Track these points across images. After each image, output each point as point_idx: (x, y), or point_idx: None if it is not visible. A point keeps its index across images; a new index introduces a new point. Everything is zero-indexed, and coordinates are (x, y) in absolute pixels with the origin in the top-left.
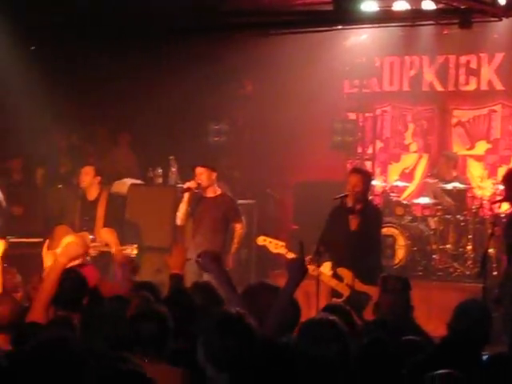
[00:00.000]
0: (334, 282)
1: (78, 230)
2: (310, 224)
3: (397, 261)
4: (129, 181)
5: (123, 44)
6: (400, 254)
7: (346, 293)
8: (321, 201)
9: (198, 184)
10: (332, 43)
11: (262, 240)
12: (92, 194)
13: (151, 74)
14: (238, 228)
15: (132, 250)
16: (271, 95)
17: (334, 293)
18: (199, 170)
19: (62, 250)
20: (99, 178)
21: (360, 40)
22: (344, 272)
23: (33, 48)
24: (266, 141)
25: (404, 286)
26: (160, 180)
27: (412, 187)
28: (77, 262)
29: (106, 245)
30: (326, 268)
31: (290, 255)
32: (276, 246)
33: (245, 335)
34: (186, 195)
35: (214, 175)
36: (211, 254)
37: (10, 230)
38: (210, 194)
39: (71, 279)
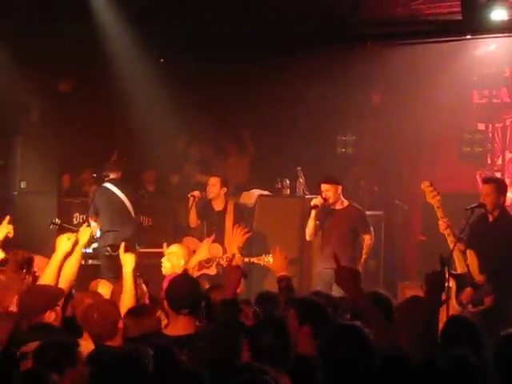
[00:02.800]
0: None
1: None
2: (439, 235)
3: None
4: (257, 191)
5: (252, 55)
6: None
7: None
8: (450, 212)
9: (325, 200)
10: (461, 53)
11: (427, 184)
12: (219, 205)
13: (281, 85)
14: (367, 239)
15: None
16: (399, 106)
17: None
18: (324, 186)
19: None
20: (226, 188)
21: (489, 50)
22: None
23: (162, 60)
24: (393, 152)
25: None
26: (288, 191)
27: None
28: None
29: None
30: None
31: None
32: (433, 195)
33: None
34: (314, 211)
35: (340, 189)
36: (350, 271)
37: (139, 240)
38: (338, 206)
39: (191, 282)
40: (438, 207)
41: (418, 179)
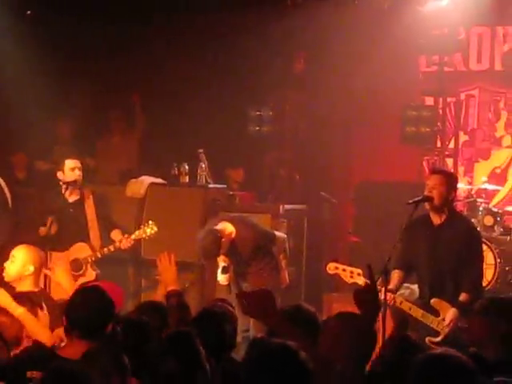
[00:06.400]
0: (428, 319)
1: None
2: (375, 236)
3: (485, 283)
4: (147, 179)
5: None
6: (488, 274)
7: (444, 331)
8: (389, 206)
9: None
10: (405, 10)
11: (333, 268)
12: (73, 194)
13: (180, 48)
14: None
15: None
16: (327, 75)
17: (428, 330)
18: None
19: None
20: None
21: (440, 6)
22: (439, 304)
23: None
24: (319, 131)
25: (505, 308)
26: (186, 179)
27: (504, 191)
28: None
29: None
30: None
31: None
32: (351, 275)
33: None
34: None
35: None
36: (259, 295)
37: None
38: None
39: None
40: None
41: (351, 166)
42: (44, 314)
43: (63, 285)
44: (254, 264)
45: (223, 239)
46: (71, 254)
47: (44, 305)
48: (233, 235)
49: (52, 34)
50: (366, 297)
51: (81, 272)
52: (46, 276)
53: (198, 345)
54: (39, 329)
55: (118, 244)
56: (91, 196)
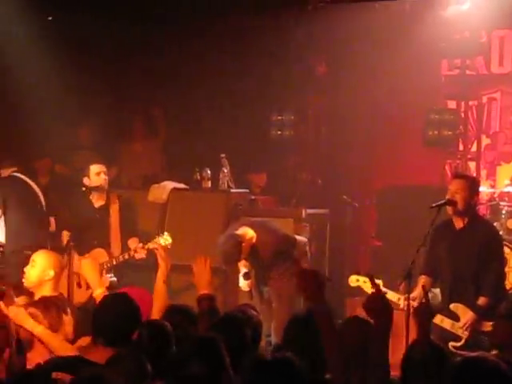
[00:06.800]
0: (447, 323)
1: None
2: (397, 240)
3: (508, 286)
4: (170, 184)
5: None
6: None
7: (465, 335)
8: (412, 210)
9: None
10: (427, 14)
11: (354, 280)
12: (99, 199)
13: (202, 54)
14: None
15: None
16: (350, 78)
17: (449, 336)
18: None
19: None
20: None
21: (462, 9)
22: (459, 309)
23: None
24: (342, 135)
25: None
26: (209, 183)
27: None
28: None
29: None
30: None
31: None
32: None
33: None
34: None
35: None
36: (318, 277)
37: None
38: None
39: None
40: (386, 293)
41: (373, 170)
42: (69, 318)
43: (89, 280)
44: (275, 269)
45: (244, 244)
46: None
47: (68, 309)
48: (253, 240)
49: (74, 40)
50: (374, 305)
51: None
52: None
53: (223, 349)
54: (60, 344)
55: (132, 252)
56: (117, 201)
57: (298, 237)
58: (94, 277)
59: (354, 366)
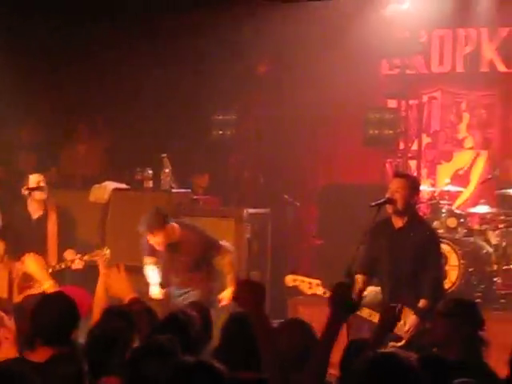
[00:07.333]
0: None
1: None
2: (338, 238)
3: (448, 284)
4: (111, 184)
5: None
6: (452, 276)
7: (406, 336)
8: (352, 209)
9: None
10: (366, 13)
11: (291, 280)
12: (37, 209)
13: (139, 51)
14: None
15: None
16: (290, 78)
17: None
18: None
19: None
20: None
21: (402, 9)
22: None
23: None
24: (283, 134)
25: (469, 311)
26: (150, 183)
27: (467, 193)
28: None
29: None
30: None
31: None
32: (310, 286)
33: None
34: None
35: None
36: (252, 285)
37: None
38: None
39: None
40: (324, 293)
41: (314, 169)
42: (11, 321)
43: (36, 275)
44: (197, 272)
45: (167, 225)
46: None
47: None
48: (177, 232)
49: (15, 41)
50: (340, 298)
51: (31, 283)
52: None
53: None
54: None
55: (69, 263)
56: (55, 210)
57: (225, 244)
58: (40, 271)
59: (293, 366)
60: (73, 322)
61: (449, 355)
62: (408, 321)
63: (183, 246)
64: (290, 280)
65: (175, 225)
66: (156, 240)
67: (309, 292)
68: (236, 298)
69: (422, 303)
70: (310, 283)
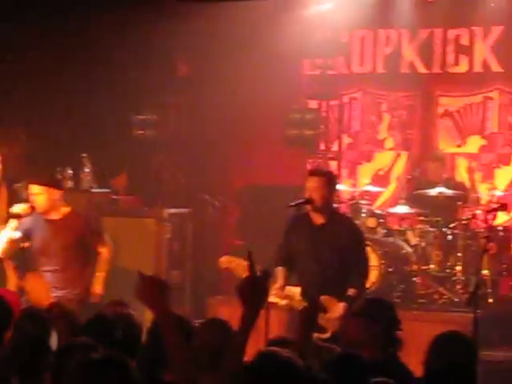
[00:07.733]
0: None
1: None
2: (259, 239)
3: (368, 284)
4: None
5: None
6: (372, 276)
7: (332, 328)
8: (273, 209)
9: (32, 208)
10: (288, 13)
11: (225, 262)
12: None
13: (58, 50)
14: (104, 252)
15: None
16: (210, 79)
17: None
18: (34, 189)
19: None
20: None
21: (323, 9)
22: (327, 301)
23: None
24: (203, 134)
25: (380, 310)
26: (70, 183)
27: (387, 193)
28: None
29: None
30: (297, 295)
31: None
32: (245, 268)
33: None
34: (15, 222)
35: (58, 194)
36: (155, 282)
37: None
38: (53, 216)
39: None
40: None
41: (234, 169)
42: None
43: None
44: (71, 259)
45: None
46: None
47: None
48: (62, 205)
49: None
50: (248, 288)
51: None
52: None
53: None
54: None
55: None
56: None
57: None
58: None
59: (208, 367)
60: (6, 323)
61: (363, 354)
62: (337, 309)
63: (64, 225)
64: (224, 261)
65: (64, 202)
66: (38, 196)
67: (243, 275)
68: (139, 295)
69: (350, 291)
70: (244, 266)
